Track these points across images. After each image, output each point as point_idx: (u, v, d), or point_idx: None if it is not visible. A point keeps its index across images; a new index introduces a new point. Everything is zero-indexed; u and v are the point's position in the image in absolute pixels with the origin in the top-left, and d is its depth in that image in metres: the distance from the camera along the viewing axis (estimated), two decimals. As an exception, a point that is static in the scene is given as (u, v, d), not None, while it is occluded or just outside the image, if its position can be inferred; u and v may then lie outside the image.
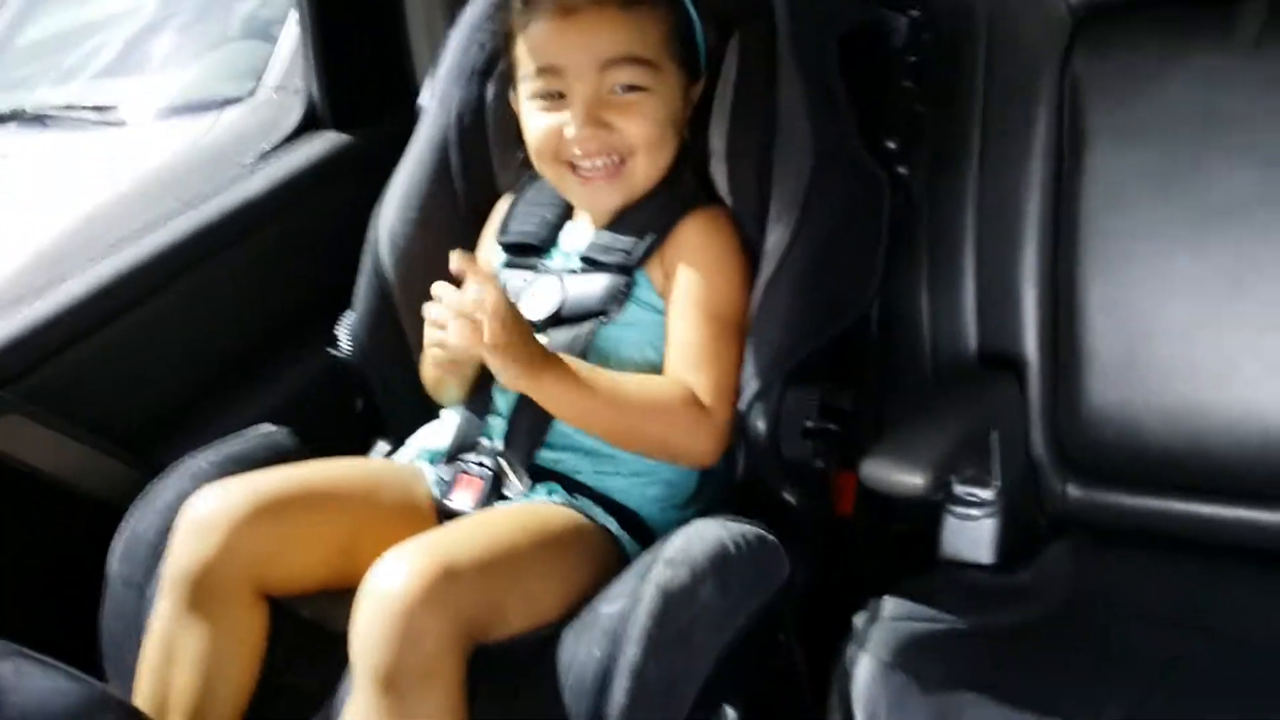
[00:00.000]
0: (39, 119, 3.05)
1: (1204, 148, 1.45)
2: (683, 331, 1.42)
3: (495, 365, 1.31)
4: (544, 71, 1.44)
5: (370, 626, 1.17)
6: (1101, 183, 1.50)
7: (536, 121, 1.47)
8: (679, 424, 1.37)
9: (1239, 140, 1.43)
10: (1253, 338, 1.44)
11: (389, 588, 1.17)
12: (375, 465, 1.54)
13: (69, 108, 3.04)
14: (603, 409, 1.36)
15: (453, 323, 1.29)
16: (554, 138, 1.45)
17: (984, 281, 1.55)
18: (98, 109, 3.01)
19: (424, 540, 1.23)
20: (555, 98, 1.44)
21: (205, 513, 1.31)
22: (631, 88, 1.43)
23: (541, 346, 1.35)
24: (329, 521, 1.35)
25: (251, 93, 2.92)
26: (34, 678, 0.81)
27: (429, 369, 1.54)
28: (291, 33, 2.65)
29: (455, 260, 1.32)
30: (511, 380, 1.32)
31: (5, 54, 3.47)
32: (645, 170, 1.46)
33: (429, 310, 1.34)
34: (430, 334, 1.38)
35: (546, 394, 1.34)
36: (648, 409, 1.37)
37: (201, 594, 1.29)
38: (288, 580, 1.34)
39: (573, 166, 1.46)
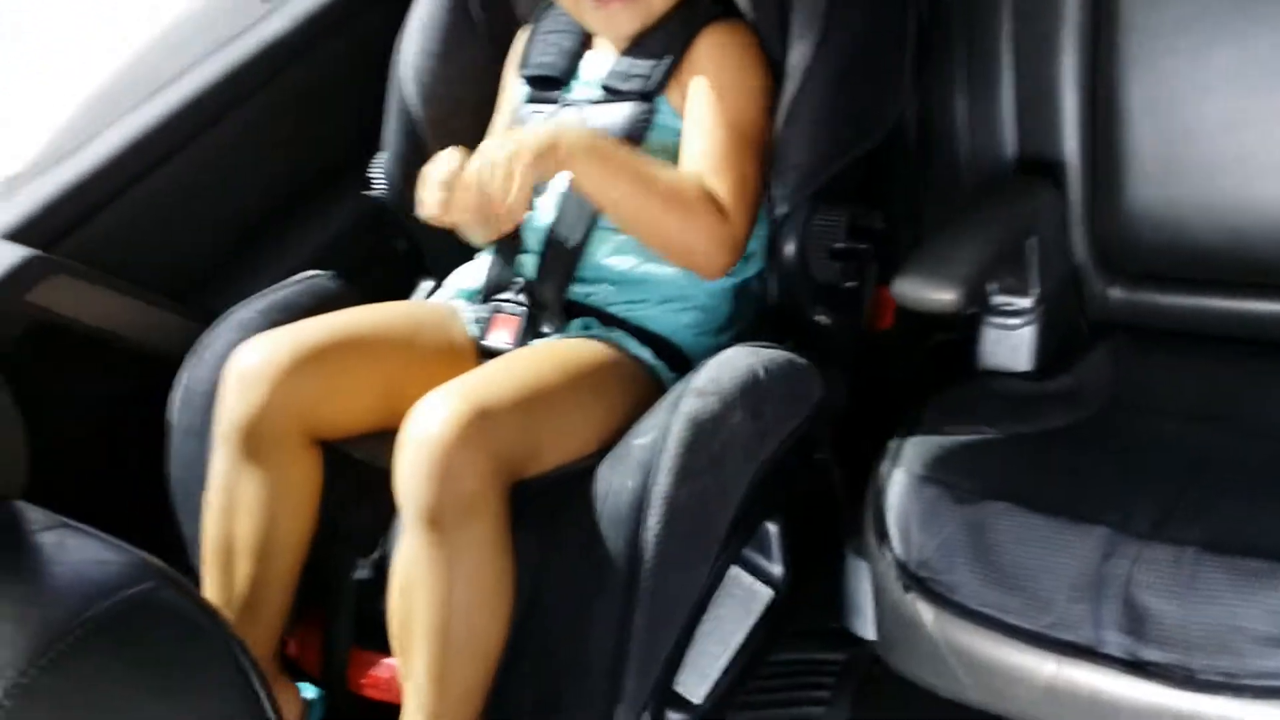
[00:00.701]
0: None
1: (1243, -70, 1.38)
2: (698, 141, 1.40)
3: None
4: None
5: (411, 469, 1.21)
6: (1138, -25, 1.44)
7: None
8: (699, 221, 1.36)
9: (1280, -78, 1.36)
10: (1298, 130, 1.40)
11: (426, 431, 1.20)
12: (414, 308, 1.56)
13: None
14: (629, 184, 1.34)
15: (430, 194, 1.31)
16: None
17: (1022, 85, 1.52)
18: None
19: (459, 383, 1.26)
20: None
21: (249, 365, 1.34)
22: None
23: (571, 133, 1.33)
24: (371, 366, 1.38)
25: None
26: (75, 548, 0.85)
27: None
28: None
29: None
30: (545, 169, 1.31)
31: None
32: None
33: (419, 192, 1.34)
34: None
35: (578, 168, 1.33)
36: (672, 196, 1.35)
37: (254, 443, 1.34)
38: (336, 425, 1.38)
39: None
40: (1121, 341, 1.51)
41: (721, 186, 1.37)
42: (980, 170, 1.55)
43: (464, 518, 1.20)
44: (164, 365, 1.48)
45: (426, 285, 1.66)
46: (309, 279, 1.54)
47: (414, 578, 1.22)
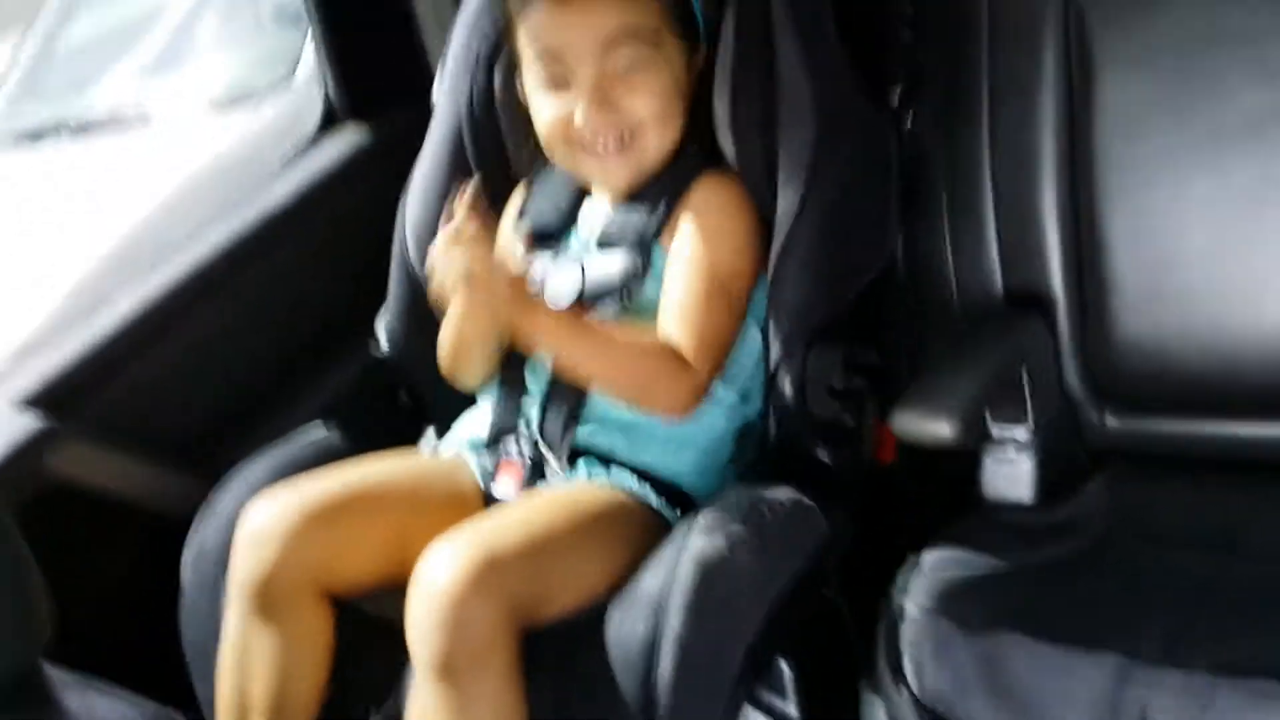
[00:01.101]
0: (82, 128, 3.12)
1: (1213, 68, 1.43)
2: (674, 288, 1.43)
3: (479, 300, 1.37)
4: (546, 56, 1.46)
5: (422, 618, 1.22)
6: (1114, 112, 1.49)
7: (544, 107, 1.48)
8: (658, 374, 1.39)
9: (1248, 57, 1.41)
10: (1276, 255, 1.43)
11: (436, 580, 1.22)
12: (420, 460, 1.58)
13: (109, 115, 3.09)
14: (588, 348, 1.39)
15: (440, 259, 1.36)
16: (563, 122, 1.47)
17: (1004, 221, 1.55)
18: (137, 114, 3.06)
19: (467, 531, 1.28)
20: (560, 81, 1.46)
21: (260, 524, 1.36)
22: (634, 64, 1.44)
23: (524, 289, 1.39)
24: (379, 521, 1.40)
25: (286, 82, 2.96)
26: (102, 708, 0.86)
27: (444, 352, 1.58)
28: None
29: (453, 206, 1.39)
30: (501, 314, 1.38)
31: (46, 64, 3.54)
32: (656, 143, 1.48)
33: (429, 260, 1.40)
34: (434, 284, 1.42)
35: (538, 327, 1.38)
36: (630, 355, 1.39)
37: (266, 602, 1.35)
38: (347, 580, 1.39)
39: (584, 146, 1.48)
40: (1120, 470, 1.52)
41: (689, 336, 1.40)
42: (970, 303, 1.58)
43: (476, 666, 1.20)
44: (176, 525, 1.50)
45: (431, 436, 1.68)
46: (315, 434, 1.57)
47: None
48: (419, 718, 1.24)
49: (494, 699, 1.21)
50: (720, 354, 1.42)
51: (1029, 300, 1.55)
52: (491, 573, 1.21)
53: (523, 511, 1.36)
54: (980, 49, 1.53)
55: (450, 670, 1.20)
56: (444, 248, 1.37)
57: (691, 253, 1.44)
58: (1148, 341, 1.51)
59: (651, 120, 1.46)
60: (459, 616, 1.19)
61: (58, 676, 0.88)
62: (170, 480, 1.63)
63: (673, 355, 1.39)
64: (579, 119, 1.45)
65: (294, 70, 2.97)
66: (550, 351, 1.43)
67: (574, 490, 1.41)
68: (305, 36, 3.04)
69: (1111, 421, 1.55)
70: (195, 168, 2.65)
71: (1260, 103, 1.41)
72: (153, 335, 1.66)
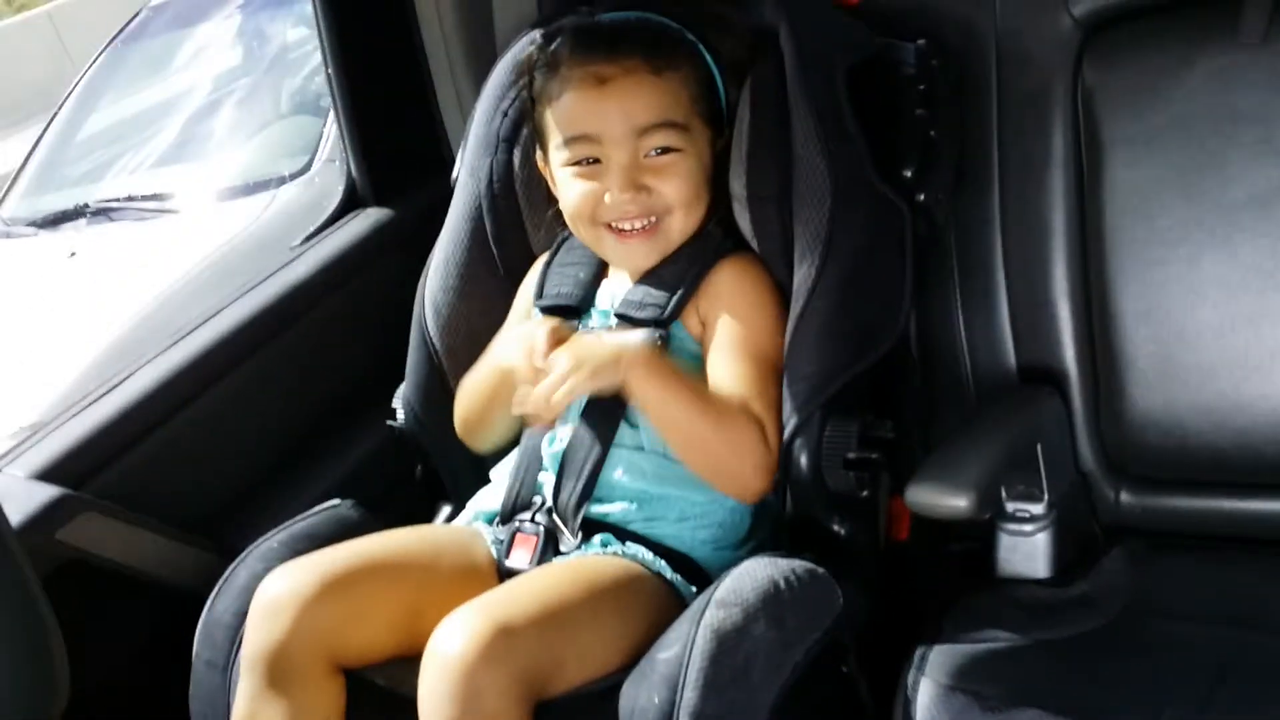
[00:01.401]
0: (103, 212, 3.17)
1: (1221, 147, 1.46)
2: (726, 373, 1.45)
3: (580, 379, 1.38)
4: (578, 140, 1.49)
5: (434, 688, 1.21)
6: (1123, 190, 1.51)
7: (573, 188, 1.51)
8: (745, 445, 1.40)
9: (1255, 136, 1.44)
10: (1287, 331, 1.44)
11: (449, 650, 1.21)
12: (436, 532, 1.58)
13: (130, 199, 3.14)
14: (687, 404, 1.40)
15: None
16: (592, 203, 1.49)
17: (1016, 298, 1.57)
18: (156, 198, 3.11)
19: (481, 601, 1.28)
20: (590, 163, 1.49)
21: (275, 595, 1.36)
22: (665, 150, 1.47)
23: (622, 344, 1.41)
24: (394, 592, 1.40)
25: (306, 167, 3.01)
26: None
27: (459, 411, 1.60)
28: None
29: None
30: (601, 373, 1.39)
31: (67, 149, 3.60)
32: (681, 227, 1.51)
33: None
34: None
35: (634, 385, 1.39)
36: (724, 416, 1.40)
37: (278, 673, 1.34)
38: (359, 652, 1.38)
39: (610, 227, 1.50)
40: (1136, 546, 1.52)
41: (760, 412, 1.42)
42: (983, 379, 1.59)
43: None
44: (190, 598, 1.50)
45: (446, 510, 1.68)
46: (331, 508, 1.57)
47: None
48: None
49: None
50: (781, 432, 1.43)
51: (1042, 376, 1.56)
52: (503, 642, 1.21)
53: (536, 582, 1.36)
54: (991, 127, 1.57)
55: None
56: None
57: (733, 337, 1.46)
58: (1161, 417, 1.52)
59: (679, 205, 1.49)
60: (470, 686, 1.19)
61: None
62: (186, 554, 1.63)
63: (759, 430, 1.41)
64: (609, 200, 1.48)
65: (314, 154, 3.04)
66: (653, 404, 1.41)
67: (588, 561, 1.41)
68: (324, 124, 3.11)
69: (1126, 498, 1.55)
70: (212, 250, 2.69)
71: (1268, 181, 1.44)
72: (172, 408, 1.67)
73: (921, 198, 1.52)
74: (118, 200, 3.16)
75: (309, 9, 3.43)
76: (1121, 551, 1.51)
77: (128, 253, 2.92)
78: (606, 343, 1.41)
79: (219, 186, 3.12)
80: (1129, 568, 1.49)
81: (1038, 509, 1.48)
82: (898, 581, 1.57)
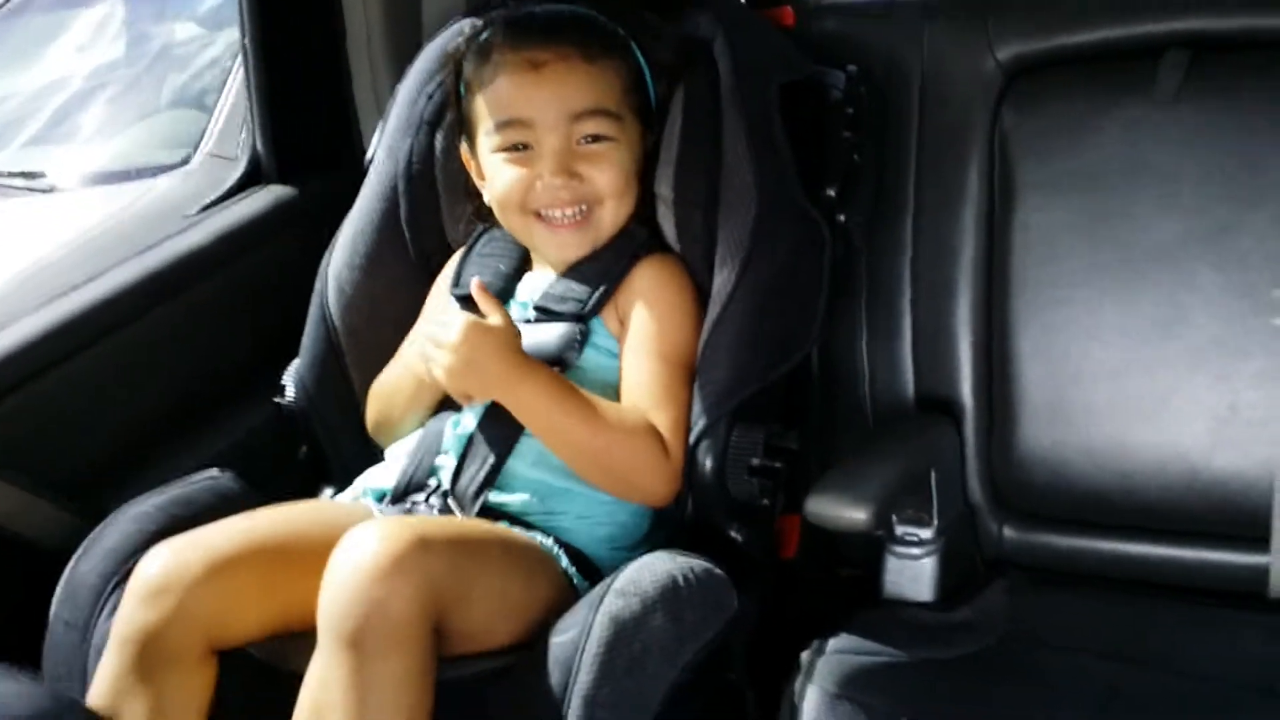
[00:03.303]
0: (-38, 186, 3.02)
1: (1130, 198, 1.51)
2: (638, 372, 1.45)
3: (451, 389, 1.38)
4: (511, 124, 1.48)
5: (340, 591, 1.18)
6: (1032, 232, 1.56)
7: (503, 173, 1.50)
8: (644, 455, 1.40)
9: (1163, 190, 1.50)
10: (1178, 380, 1.49)
11: (361, 553, 1.19)
12: (324, 509, 1.53)
13: (-8, 175, 3.01)
14: (577, 426, 1.39)
15: (422, 351, 1.39)
16: (523, 189, 1.48)
17: (920, 327, 1.60)
18: (26, 175, 2.99)
19: (395, 517, 1.27)
20: (522, 149, 1.48)
21: (157, 575, 1.29)
22: (598, 138, 1.48)
23: (522, 358, 1.40)
24: (283, 573, 1.34)
25: (186, 160, 2.93)
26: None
27: (372, 409, 1.58)
28: (229, 102, 2.65)
29: (473, 286, 1.44)
30: (483, 393, 1.40)
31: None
32: (611, 219, 1.51)
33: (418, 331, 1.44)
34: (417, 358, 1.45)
35: (522, 405, 1.39)
36: (618, 433, 1.39)
37: (151, 656, 1.27)
38: (241, 634, 1.33)
39: (540, 216, 1.49)
40: (1017, 579, 1.55)
41: (663, 420, 1.42)
42: (881, 403, 1.62)
43: (388, 645, 1.16)
44: (46, 558, 1.43)
45: (328, 493, 1.63)
46: (210, 478, 1.51)
47: (325, 704, 1.17)
48: (317, 693, 1.19)
49: (401, 683, 1.17)
50: (688, 435, 1.42)
51: (939, 406, 1.60)
52: (417, 552, 1.19)
53: (451, 520, 1.37)
54: (909, 158, 1.61)
55: (360, 645, 1.16)
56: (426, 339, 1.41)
57: (649, 336, 1.46)
58: (1049, 455, 1.56)
59: (610, 194, 1.49)
60: (379, 590, 1.16)
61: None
62: (52, 513, 1.54)
63: (658, 438, 1.41)
64: (540, 186, 1.47)
65: (195, 148, 2.96)
66: (535, 419, 1.41)
67: (495, 524, 1.40)
68: (209, 120, 3.04)
69: (1009, 532, 1.58)
70: (91, 225, 2.59)
71: (1171, 233, 1.50)
72: (46, 365, 1.58)
73: (842, 218, 1.55)
74: (-20, 173, 3.03)
75: (200, 8, 3.35)
76: (1003, 583, 1.54)
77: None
78: (497, 358, 1.38)
79: (94, 170, 3.01)
80: (1009, 598, 1.51)
81: (926, 534, 1.50)
82: (784, 598, 1.57)
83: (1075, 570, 1.56)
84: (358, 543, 1.20)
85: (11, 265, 2.29)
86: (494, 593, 1.28)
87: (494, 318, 1.41)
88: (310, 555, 1.36)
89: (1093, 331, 1.53)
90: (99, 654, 1.31)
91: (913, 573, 1.50)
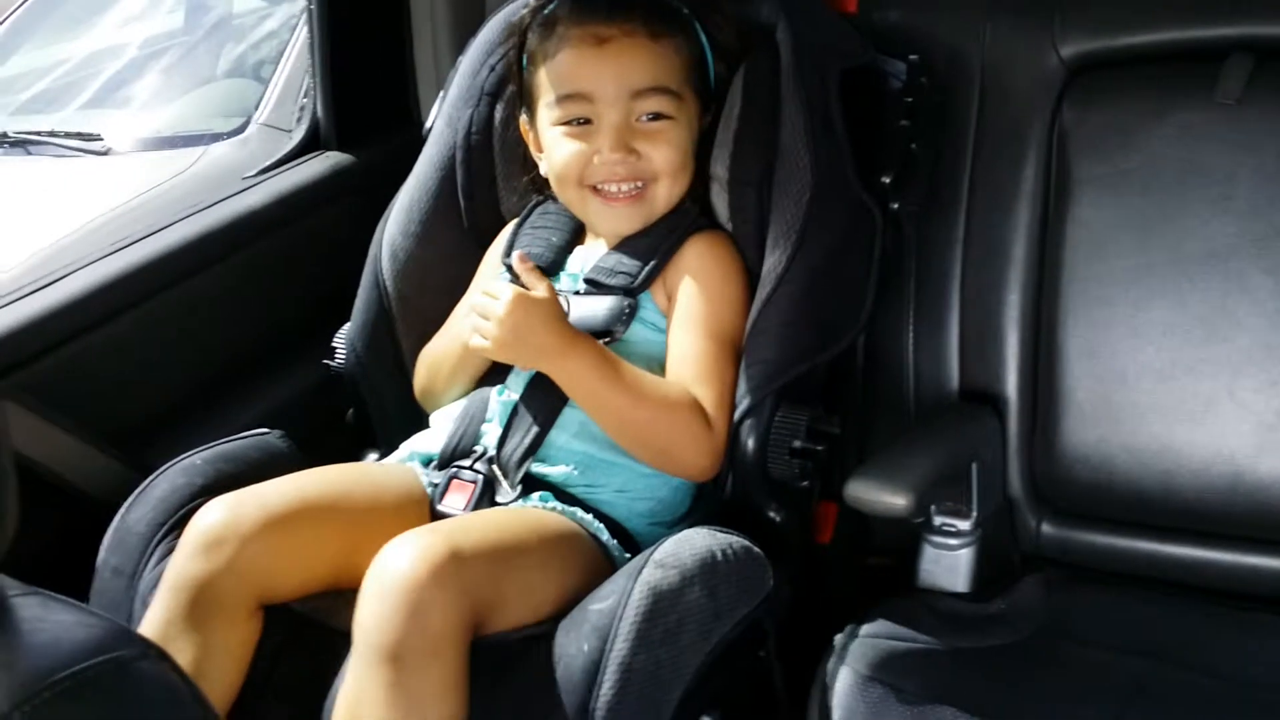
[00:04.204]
0: (21, 144, 3.06)
1: (1184, 199, 1.51)
2: (684, 346, 1.46)
3: (499, 359, 1.41)
4: (572, 98, 1.49)
5: (377, 604, 1.19)
6: (1084, 230, 1.56)
7: (562, 146, 1.51)
8: (686, 429, 1.41)
9: (1217, 192, 1.49)
10: (1225, 382, 1.49)
11: (398, 566, 1.19)
12: (373, 470, 1.55)
13: (52, 134, 3.05)
14: (620, 397, 1.40)
15: (471, 321, 1.41)
16: (581, 163, 1.50)
17: (967, 321, 1.61)
18: (82, 136, 3.03)
19: (432, 526, 1.27)
20: (581, 123, 1.50)
21: (214, 525, 1.31)
22: (657, 116, 1.49)
23: (568, 329, 1.41)
24: (334, 530, 1.37)
25: (241, 129, 2.97)
26: (59, 612, 0.83)
27: (420, 375, 1.59)
28: (285, 73, 2.69)
29: (515, 259, 1.47)
30: (530, 363, 1.43)
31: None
32: (666, 195, 1.52)
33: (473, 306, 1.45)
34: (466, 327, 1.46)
35: (567, 375, 1.41)
36: (661, 406, 1.41)
37: (203, 605, 1.30)
38: (289, 590, 1.35)
39: (596, 190, 1.51)
40: (1052, 574, 1.55)
41: (707, 395, 1.43)
42: (924, 395, 1.62)
43: (425, 658, 1.17)
44: (97, 507, 1.45)
45: (372, 457, 1.65)
46: (258, 435, 1.53)
47: (363, 718, 1.18)
48: (354, 706, 1.19)
49: (439, 695, 1.18)
50: (732, 412, 1.43)
51: (982, 400, 1.59)
52: (454, 565, 1.19)
53: (486, 519, 1.36)
54: (966, 152, 1.60)
55: (397, 658, 1.16)
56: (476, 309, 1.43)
57: (698, 311, 1.47)
58: (1091, 453, 1.56)
59: (666, 172, 1.50)
60: (417, 603, 1.17)
61: (12, 582, 0.84)
62: (101, 463, 1.57)
63: (700, 413, 1.42)
64: (598, 161, 1.48)
65: (249, 118, 2.99)
66: (579, 389, 1.42)
67: (531, 511, 1.40)
68: (264, 90, 3.07)
69: (1047, 528, 1.58)
70: (145, 189, 2.63)
71: (1223, 235, 1.49)
72: (104, 316, 1.61)
73: (895, 206, 1.56)
74: (39, 133, 3.07)
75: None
76: (1038, 578, 1.54)
77: (49, 184, 2.82)
78: (543, 330, 1.40)
79: (149, 134, 3.05)
80: (1044, 594, 1.51)
81: (965, 525, 1.50)
82: (817, 582, 1.58)
83: (1112, 569, 1.56)
84: (394, 556, 1.21)
85: (72, 222, 2.34)
86: (530, 589, 1.29)
87: (539, 290, 1.42)
88: (358, 516, 1.39)
89: (1141, 331, 1.53)
90: (144, 601, 1.35)
91: (949, 563, 1.51)
